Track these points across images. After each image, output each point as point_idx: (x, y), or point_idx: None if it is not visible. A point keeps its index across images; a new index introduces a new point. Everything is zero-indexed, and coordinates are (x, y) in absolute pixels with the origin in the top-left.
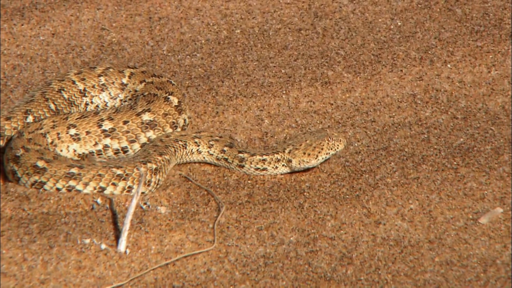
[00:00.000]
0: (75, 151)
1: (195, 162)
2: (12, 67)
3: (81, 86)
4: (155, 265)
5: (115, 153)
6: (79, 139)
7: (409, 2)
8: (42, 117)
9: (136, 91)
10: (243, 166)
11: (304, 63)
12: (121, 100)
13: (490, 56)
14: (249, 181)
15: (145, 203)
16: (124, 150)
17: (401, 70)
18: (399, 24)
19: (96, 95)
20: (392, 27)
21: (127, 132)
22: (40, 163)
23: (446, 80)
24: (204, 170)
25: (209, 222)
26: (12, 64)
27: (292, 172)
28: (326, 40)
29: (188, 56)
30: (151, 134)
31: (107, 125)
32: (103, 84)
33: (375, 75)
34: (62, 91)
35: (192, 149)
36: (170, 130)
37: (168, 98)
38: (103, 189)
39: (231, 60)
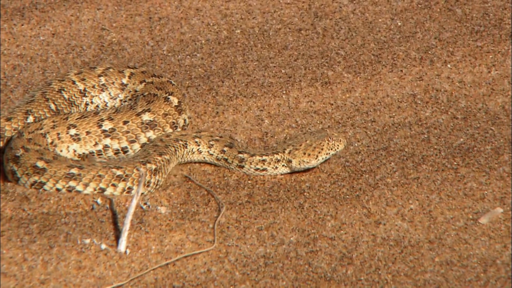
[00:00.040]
0: (75, 151)
1: (195, 162)
2: (12, 67)
3: (81, 86)
4: (155, 265)
5: (115, 153)
6: (79, 139)
7: (409, 2)
8: (42, 117)
9: (136, 91)
10: (243, 167)
11: (304, 63)
12: (121, 100)
13: (490, 56)
14: (249, 181)
15: (145, 203)
16: (124, 150)
17: (401, 70)
18: (399, 24)
19: (96, 95)
20: (392, 27)
21: (127, 132)
22: (40, 163)
23: (446, 80)
24: (204, 170)
25: (209, 222)
26: (12, 64)
27: (292, 172)
28: (326, 40)
29: (188, 56)
30: (151, 134)
31: (107, 125)
32: (103, 84)
33: (375, 75)
34: (62, 91)
35: (192, 149)
36: (170, 130)
37: (168, 98)
38: (103, 190)
39: (231, 60)
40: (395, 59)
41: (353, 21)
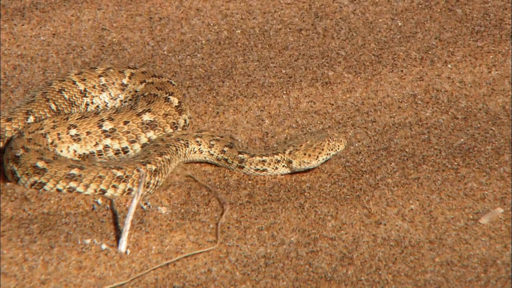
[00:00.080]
0: (75, 151)
1: (196, 162)
2: (13, 67)
3: (81, 87)
4: (155, 265)
5: (116, 154)
6: (79, 139)
7: (410, 2)
8: (43, 118)
9: (136, 91)
10: (243, 167)
11: (305, 63)
12: (121, 100)
13: (491, 56)
14: (249, 181)
15: (145, 203)
16: (125, 151)
17: (402, 70)
18: (400, 24)
19: (97, 96)
20: (392, 27)
21: (128, 132)
22: (40, 164)
23: (446, 80)
24: (205, 170)
25: (209, 222)
26: (13, 64)
27: (293, 172)
28: (326, 41)
29: (188, 57)
30: (151, 134)
31: (107, 126)
32: (103, 85)
33: (375, 75)
34: (63, 92)
35: (194, 148)
36: (171, 131)
37: (169, 98)
38: (103, 191)
39: (231, 61)
40: (395, 59)
41: (354, 21)
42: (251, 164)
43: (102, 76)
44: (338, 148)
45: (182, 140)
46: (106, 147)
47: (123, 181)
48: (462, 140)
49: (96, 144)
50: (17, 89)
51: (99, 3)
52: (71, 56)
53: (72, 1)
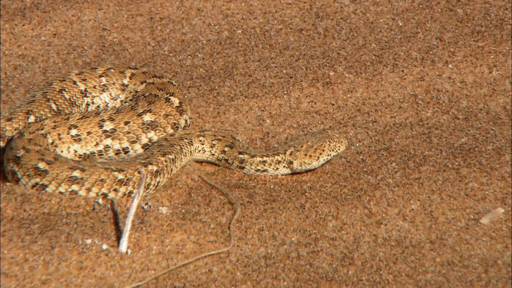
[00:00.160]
0: (75, 151)
1: (198, 162)
2: (14, 68)
3: (82, 87)
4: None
5: (116, 154)
6: (80, 139)
7: (411, 3)
8: (43, 117)
9: (137, 91)
10: (243, 167)
11: (306, 63)
12: (121, 100)
13: (492, 57)
14: (250, 182)
15: (146, 204)
16: (125, 151)
17: (403, 71)
18: (401, 24)
19: (97, 96)
20: (393, 27)
21: (128, 132)
22: (42, 165)
23: (447, 80)
24: (206, 170)
25: (210, 223)
26: (14, 65)
27: (294, 173)
28: (327, 41)
29: (189, 57)
30: (152, 134)
31: (108, 126)
32: (104, 85)
33: (376, 76)
34: (63, 92)
35: (198, 147)
36: (171, 131)
37: (169, 99)
38: (105, 195)
39: (232, 61)
40: (396, 59)
41: (354, 22)
42: (251, 165)
43: (103, 76)
44: (339, 149)
45: (186, 139)
46: (107, 147)
47: (124, 184)
48: (463, 140)
49: (97, 144)
50: (18, 89)
51: (100, 3)
52: (72, 56)
53: (73, 1)
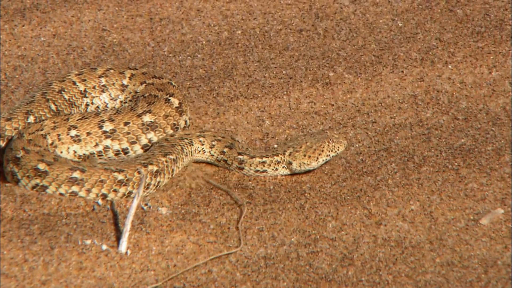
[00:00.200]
0: (75, 152)
1: (198, 162)
2: (13, 68)
3: (81, 87)
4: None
5: (116, 154)
6: (79, 140)
7: (410, 3)
8: (43, 118)
9: (136, 92)
10: (242, 168)
11: (305, 64)
12: (121, 101)
13: (491, 57)
14: (250, 182)
15: (146, 204)
16: (125, 151)
17: (402, 71)
18: (400, 25)
19: (97, 96)
20: (393, 28)
21: (128, 133)
22: (41, 166)
23: (447, 81)
24: (205, 171)
25: (210, 223)
26: (13, 65)
27: (293, 173)
28: (327, 41)
29: (189, 57)
30: (152, 135)
31: (107, 126)
32: (103, 85)
33: (376, 76)
34: (63, 92)
35: (198, 147)
36: (171, 132)
37: (169, 99)
38: (105, 195)
39: (232, 61)
40: (396, 60)
41: (354, 22)
42: (251, 166)
43: (102, 76)
44: (338, 149)
45: (186, 139)
46: (106, 148)
47: (124, 185)
48: (462, 140)
49: (96, 145)
50: (18, 90)
51: (99, 4)
52: (71, 57)
53: (73, 1)
